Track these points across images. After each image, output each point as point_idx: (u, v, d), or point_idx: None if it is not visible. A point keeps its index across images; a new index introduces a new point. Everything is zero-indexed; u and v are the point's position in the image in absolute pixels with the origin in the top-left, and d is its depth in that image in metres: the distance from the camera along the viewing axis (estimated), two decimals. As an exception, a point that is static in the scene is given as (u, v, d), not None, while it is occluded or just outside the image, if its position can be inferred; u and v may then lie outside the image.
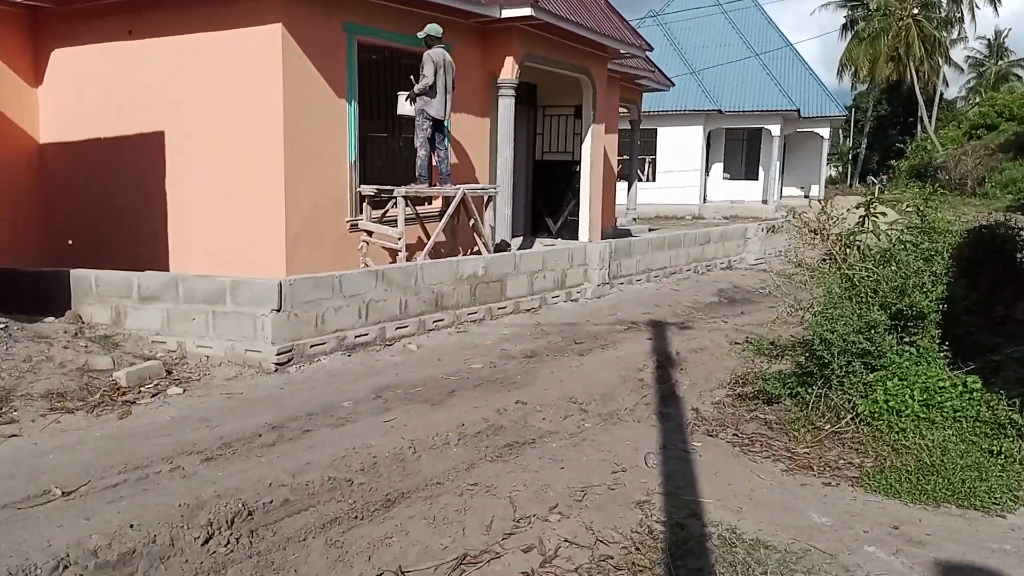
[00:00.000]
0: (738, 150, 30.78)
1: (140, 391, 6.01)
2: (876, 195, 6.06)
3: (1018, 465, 4.19)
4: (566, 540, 3.74)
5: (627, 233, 15.46)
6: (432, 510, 4.09)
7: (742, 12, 31.16)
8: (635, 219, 18.95)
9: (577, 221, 13.39)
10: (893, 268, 5.43)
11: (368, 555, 3.66)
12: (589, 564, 3.53)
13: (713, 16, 30.88)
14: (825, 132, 30.77)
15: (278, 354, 6.55)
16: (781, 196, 30.32)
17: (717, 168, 30.47)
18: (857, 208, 6.14)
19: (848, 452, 4.69)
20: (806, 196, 31.03)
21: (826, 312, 5.20)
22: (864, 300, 5.38)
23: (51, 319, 7.18)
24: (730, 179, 30.39)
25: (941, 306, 5.20)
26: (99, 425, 5.35)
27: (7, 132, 9.41)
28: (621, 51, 13.11)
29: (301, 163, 8.36)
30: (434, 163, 9.38)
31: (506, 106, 10.57)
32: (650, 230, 17.09)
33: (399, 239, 8.51)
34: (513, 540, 3.79)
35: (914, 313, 5.14)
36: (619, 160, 22.51)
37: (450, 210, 9.07)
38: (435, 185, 9.47)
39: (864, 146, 54.98)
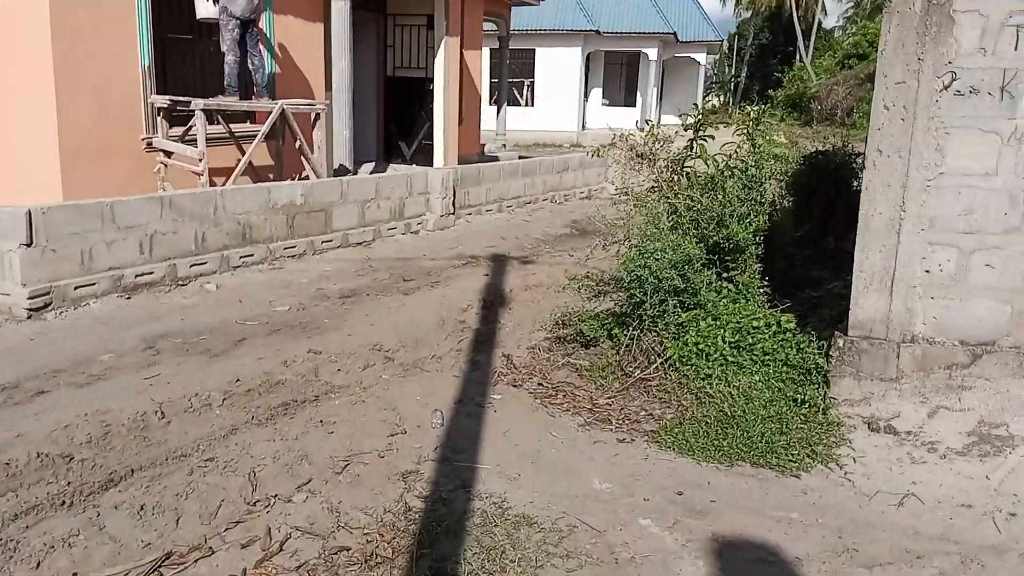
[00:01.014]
0: (617, 75, 30.17)
1: None
2: (705, 117, 5.49)
3: (821, 415, 3.85)
4: (298, 528, 3.11)
5: (494, 160, 14.64)
6: (148, 495, 3.37)
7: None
8: (504, 145, 18.10)
9: (433, 145, 12.46)
10: (719, 197, 4.95)
11: (39, 559, 2.93)
12: (317, 559, 2.93)
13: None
14: (702, 58, 30.53)
15: (31, 298, 5.55)
16: (660, 124, 30.07)
17: (596, 93, 29.82)
18: (686, 131, 5.61)
19: (651, 402, 4.26)
20: (683, 125, 30.96)
21: (641, 246, 4.69)
22: (686, 232, 4.90)
23: None
24: (609, 105, 29.80)
25: (759, 237, 4.78)
26: None
27: None
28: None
29: (77, 64, 7.07)
30: (251, 71, 8.26)
31: (341, 8, 9.35)
32: (520, 158, 16.29)
33: (200, 160, 7.43)
34: (239, 530, 3.15)
35: (732, 246, 4.70)
36: (492, 82, 21.55)
37: (264, 128, 7.99)
38: (251, 99, 8.37)
39: (745, 75, 55.62)
